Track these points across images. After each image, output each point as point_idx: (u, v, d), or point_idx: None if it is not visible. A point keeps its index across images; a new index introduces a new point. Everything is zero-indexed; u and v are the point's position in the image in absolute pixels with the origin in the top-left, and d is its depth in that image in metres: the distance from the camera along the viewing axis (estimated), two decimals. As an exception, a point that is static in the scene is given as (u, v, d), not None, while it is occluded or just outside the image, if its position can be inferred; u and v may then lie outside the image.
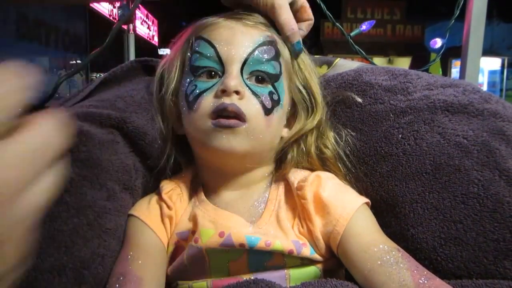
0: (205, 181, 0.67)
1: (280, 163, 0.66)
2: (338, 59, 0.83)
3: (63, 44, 4.72)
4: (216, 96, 0.59)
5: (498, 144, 0.59)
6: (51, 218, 0.53)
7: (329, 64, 0.82)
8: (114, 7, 4.74)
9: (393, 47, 8.23)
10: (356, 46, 1.13)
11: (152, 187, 0.68)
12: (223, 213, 0.62)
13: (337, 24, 1.10)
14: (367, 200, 0.61)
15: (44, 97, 0.79)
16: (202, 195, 0.65)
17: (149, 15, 6.79)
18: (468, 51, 1.20)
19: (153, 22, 7.01)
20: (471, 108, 0.62)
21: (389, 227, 0.61)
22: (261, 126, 0.60)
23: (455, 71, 6.74)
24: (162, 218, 0.63)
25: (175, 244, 0.62)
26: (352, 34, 1.21)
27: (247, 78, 0.61)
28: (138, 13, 5.80)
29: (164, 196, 0.64)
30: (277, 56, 0.62)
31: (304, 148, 0.66)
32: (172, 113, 0.67)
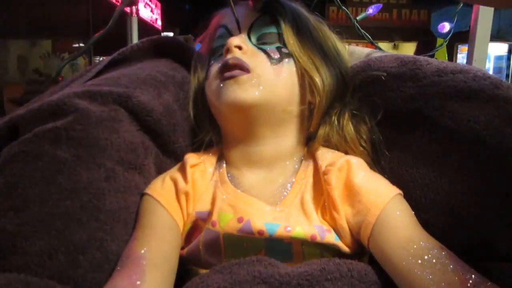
0: (229, 159, 0.66)
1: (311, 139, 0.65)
2: (348, 46, 0.82)
3: (66, 27, 4.68)
4: (222, 59, 0.62)
5: (510, 130, 0.57)
6: (41, 200, 0.52)
7: None
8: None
9: (398, 32, 8.13)
10: (362, 31, 1.11)
11: (168, 165, 0.67)
12: (244, 197, 0.60)
13: (343, 7, 1.08)
14: (400, 191, 0.58)
15: (47, 80, 0.78)
16: (225, 175, 0.64)
17: (152, -3, 6.72)
18: (476, 36, 1.18)
19: (156, 5, 6.93)
20: (482, 94, 0.61)
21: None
22: (267, 74, 0.60)
23: (460, 57, 6.66)
24: (177, 194, 0.60)
25: (193, 223, 0.60)
26: (358, 17, 1.19)
27: (256, 43, 0.64)
28: (141, -4, 5.73)
29: (188, 169, 0.62)
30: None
31: (338, 126, 0.64)
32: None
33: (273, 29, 0.65)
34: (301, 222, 0.56)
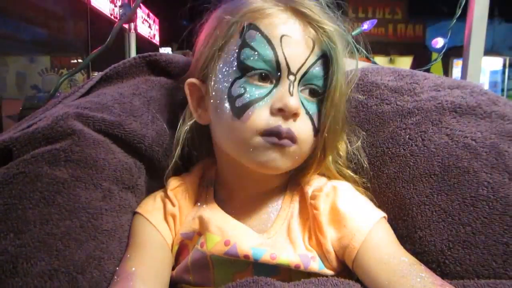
0: (220, 179, 0.65)
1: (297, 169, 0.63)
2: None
3: (64, 43, 4.71)
4: (272, 112, 0.54)
5: (507, 147, 0.58)
6: (41, 221, 0.52)
7: None
8: (116, 5, 4.73)
9: (394, 46, 8.21)
10: (358, 45, 1.12)
11: (158, 185, 0.67)
12: (231, 222, 0.60)
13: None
14: (384, 214, 0.59)
15: (45, 97, 0.78)
16: (212, 198, 0.63)
17: (150, 14, 6.78)
18: (470, 51, 1.20)
19: (154, 21, 7.00)
20: (479, 110, 0.61)
21: (396, 229, 0.60)
22: (308, 148, 0.58)
23: (456, 71, 6.72)
24: (165, 215, 0.61)
25: (180, 244, 0.61)
26: (353, 33, 1.20)
27: (301, 91, 0.57)
28: (139, 12, 5.78)
29: (169, 192, 0.62)
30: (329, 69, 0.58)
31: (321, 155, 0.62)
32: (194, 96, 0.63)
33: (321, 80, 0.58)
34: (287, 250, 0.57)
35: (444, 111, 0.61)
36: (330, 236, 0.57)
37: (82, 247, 0.53)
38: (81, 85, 0.72)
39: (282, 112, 0.54)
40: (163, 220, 0.61)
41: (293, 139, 0.55)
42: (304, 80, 0.57)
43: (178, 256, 0.62)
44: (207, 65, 0.60)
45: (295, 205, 0.62)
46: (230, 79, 0.56)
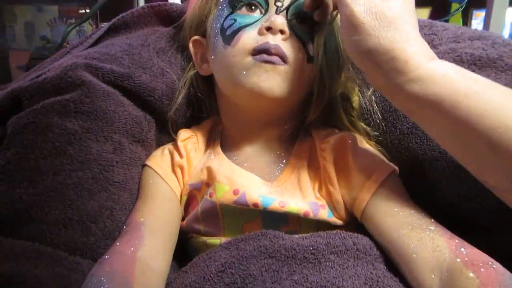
0: (226, 130, 0.66)
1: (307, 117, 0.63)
2: None
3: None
4: (260, 33, 0.56)
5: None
6: (54, 171, 0.52)
7: None
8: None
9: (411, -4, 7.92)
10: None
11: (168, 139, 0.67)
12: (239, 170, 0.60)
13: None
14: (395, 167, 0.58)
15: (53, 46, 0.77)
16: (219, 147, 0.64)
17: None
18: (493, 1, 1.14)
19: (162, -31, 6.78)
20: (500, 63, 0.59)
21: (407, 184, 0.59)
22: (301, 72, 0.57)
23: (475, 23, 6.46)
24: (173, 167, 0.62)
25: (188, 195, 0.62)
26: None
27: (291, 20, 0.58)
28: (147, -41, 5.59)
29: (179, 143, 0.63)
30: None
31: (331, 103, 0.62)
32: (198, 52, 0.65)
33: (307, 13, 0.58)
34: (296, 198, 0.57)
35: (463, 64, 0.59)
36: (340, 187, 0.57)
37: (94, 197, 0.54)
38: (89, 34, 0.71)
39: (269, 30, 0.55)
40: (171, 171, 0.62)
41: (283, 57, 0.55)
42: (293, 8, 0.57)
43: (187, 207, 0.63)
44: (205, 18, 0.63)
45: (305, 155, 0.62)
46: (223, 17, 0.59)
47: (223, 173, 0.59)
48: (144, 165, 0.63)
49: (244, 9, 0.58)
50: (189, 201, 0.62)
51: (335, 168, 0.58)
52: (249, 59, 0.55)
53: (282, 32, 0.55)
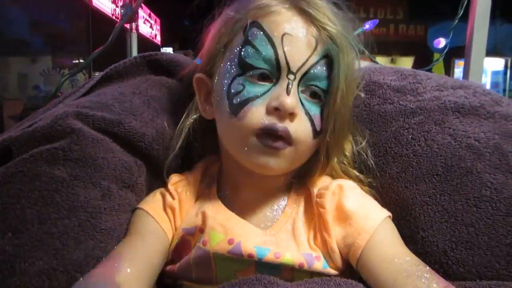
0: (225, 175, 0.64)
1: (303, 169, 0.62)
2: None
3: (66, 43, 4.71)
4: (268, 112, 0.54)
5: (510, 147, 0.57)
6: (40, 220, 0.51)
7: None
8: (117, 5, 4.73)
9: (396, 46, 8.20)
10: (361, 47, 1.11)
11: (159, 184, 0.66)
12: (234, 218, 0.59)
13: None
14: (389, 213, 0.58)
15: (47, 96, 0.78)
16: (215, 193, 0.63)
17: (152, 14, 6.78)
18: (471, 51, 1.20)
19: (155, 21, 6.99)
20: (482, 111, 0.61)
21: (399, 229, 0.59)
22: (306, 150, 0.57)
23: (458, 71, 6.70)
24: (164, 207, 0.61)
25: (181, 239, 0.60)
26: (354, 33, 1.20)
27: (302, 91, 0.56)
28: (141, 12, 5.78)
29: (170, 186, 0.62)
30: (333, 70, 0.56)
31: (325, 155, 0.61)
32: (201, 90, 0.63)
33: (324, 82, 0.56)
34: (291, 249, 0.56)
35: (447, 111, 0.61)
36: (335, 235, 0.57)
37: (81, 246, 0.53)
38: (81, 84, 0.72)
39: (278, 111, 0.53)
40: (163, 211, 0.61)
41: (289, 139, 0.54)
42: (305, 80, 0.56)
43: (179, 251, 0.61)
44: (213, 61, 0.60)
45: (301, 204, 0.61)
46: (231, 76, 0.56)
47: (218, 220, 0.58)
48: (135, 209, 0.61)
49: (255, 77, 0.55)
50: (181, 246, 0.61)
51: (331, 215, 0.57)
52: (254, 139, 0.54)
53: (291, 114, 0.53)
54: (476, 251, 0.54)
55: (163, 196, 0.62)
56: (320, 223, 0.58)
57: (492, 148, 0.58)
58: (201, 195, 0.63)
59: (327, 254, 0.57)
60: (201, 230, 0.59)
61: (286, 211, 0.61)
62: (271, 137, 0.54)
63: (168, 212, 0.60)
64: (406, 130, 0.63)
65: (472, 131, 0.59)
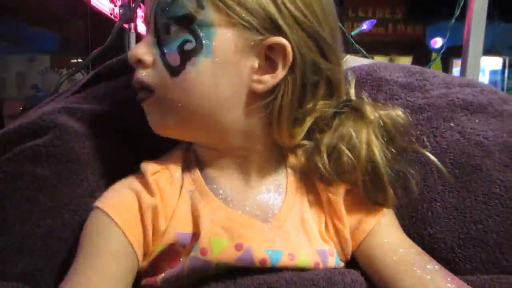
0: (201, 161, 0.53)
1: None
2: (348, 55, 0.82)
3: (64, 43, 4.70)
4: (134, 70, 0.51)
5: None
6: (21, 221, 0.50)
7: None
8: (115, 5, 4.72)
9: (394, 46, 8.21)
10: (357, 45, 1.12)
11: None
12: (238, 217, 0.49)
13: (338, 23, 1.09)
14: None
15: (45, 96, 0.78)
16: (203, 183, 0.51)
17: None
18: (468, 51, 1.21)
19: (153, 21, 6.98)
20: (490, 109, 0.61)
21: (404, 225, 0.59)
22: (168, 91, 0.48)
23: (456, 71, 6.71)
24: (141, 211, 0.48)
25: (168, 246, 0.48)
26: (353, 33, 1.21)
27: (159, 35, 0.48)
28: (139, 12, 5.77)
29: (150, 178, 0.49)
30: None
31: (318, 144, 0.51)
32: None
33: (174, 10, 0.46)
34: (303, 245, 0.50)
35: (455, 108, 0.61)
36: (348, 222, 0.53)
37: (65, 245, 0.51)
38: (74, 83, 0.71)
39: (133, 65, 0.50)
40: (137, 218, 0.48)
41: (147, 88, 0.49)
42: (160, 21, 0.48)
43: (160, 261, 0.49)
44: None
45: (302, 184, 0.54)
46: None
47: (218, 222, 0.48)
48: (95, 207, 0.48)
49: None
50: (167, 254, 0.49)
51: (344, 201, 0.53)
52: None
53: (139, 62, 0.49)
54: (484, 248, 0.54)
55: (137, 195, 0.48)
56: (331, 210, 0.53)
57: (501, 146, 0.58)
58: (185, 186, 0.51)
59: (339, 246, 0.53)
60: (195, 235, 0.48)
61: (288, 196, 0.53)
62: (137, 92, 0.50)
63: (146, 217, 0.47)
64: (415, 126, 0.62)
65: (480, 129, 0.59)
